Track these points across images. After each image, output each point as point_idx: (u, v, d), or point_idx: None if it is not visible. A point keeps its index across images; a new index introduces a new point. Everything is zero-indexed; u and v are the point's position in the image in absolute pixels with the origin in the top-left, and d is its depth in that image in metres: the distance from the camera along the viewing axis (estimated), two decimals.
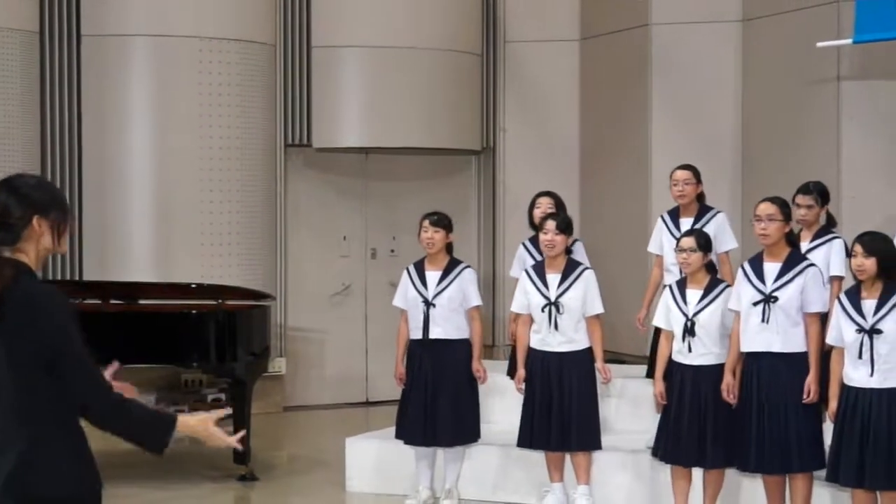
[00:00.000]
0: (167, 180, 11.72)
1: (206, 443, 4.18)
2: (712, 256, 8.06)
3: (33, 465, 3.99)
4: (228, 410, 4.46)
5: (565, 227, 8.41)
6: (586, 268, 8.48)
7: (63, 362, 3.98)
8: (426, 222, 8.70)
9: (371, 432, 9.92)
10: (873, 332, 7.00)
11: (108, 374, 4.21)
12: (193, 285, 10.44)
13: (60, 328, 3.99)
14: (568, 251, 8.49)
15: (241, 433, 4.45)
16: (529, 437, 8.46)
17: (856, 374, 7.08)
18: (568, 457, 8.54)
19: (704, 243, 7.93)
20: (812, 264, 7.63)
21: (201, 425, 4.17)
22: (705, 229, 8.39)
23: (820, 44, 10.36)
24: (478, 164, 14.06)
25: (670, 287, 8.10)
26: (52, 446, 4.01)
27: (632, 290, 10.68)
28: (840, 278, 8.19)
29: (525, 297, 8.47)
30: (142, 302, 9.65)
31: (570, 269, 8.40)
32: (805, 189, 8.42)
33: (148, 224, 11.72)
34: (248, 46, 11.98)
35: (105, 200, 11.61)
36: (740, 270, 7.72)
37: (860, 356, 7.03)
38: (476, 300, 8.76)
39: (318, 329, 13.09)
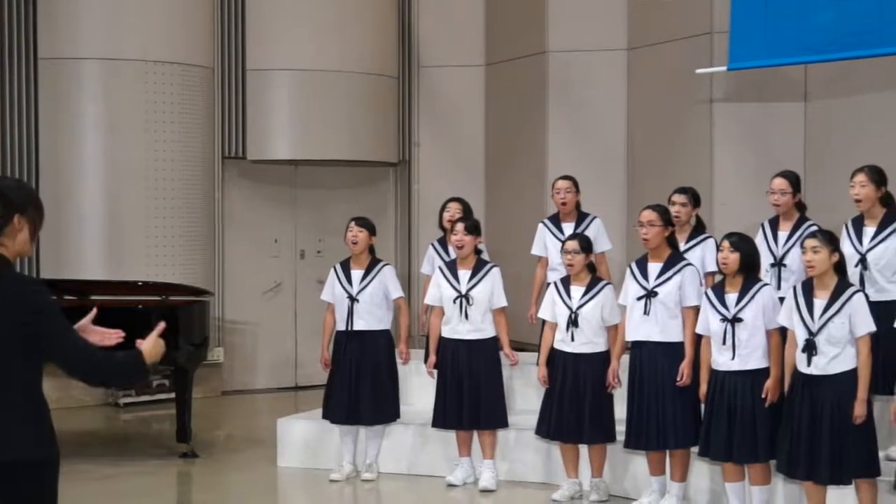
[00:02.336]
0: (116, 189, 11.62)
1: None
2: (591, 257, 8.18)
3: (4, 431, 4.03)
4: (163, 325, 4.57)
5: (473, 229, 8.48)
6: (493, 266, 8.52)
7: (48, 340, 4.06)
8: (352, 223, 8.74)
9: (300, 413, 9.90)
10: (735, 320, 7.12)
11: (87, 321, 4.44)
12: (140, 283, 10.38)
13: (40, 311, 4.06)
14: (477, 251, 8.54)
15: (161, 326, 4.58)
16: (443, 417, 8.51)
17: (721, 359, 7.18)
18: (476, 434, 8.59)
19: (587, 246, 8.05)
20: (689, 264, 7.71)
21: (154, 350, 4.43)
22: (585, 233, 8.50)
23: (699, 70, 10.46)
24: (395, 174, 14.07)
25: (555, 284, 8.18)
26: (21, 415, 4.06)
27: (531, 286, 10.74)
28: (714, 273, 8.30)
29: (438, 291, 8.52)
30: (93, 297, 9.56)
31: (479, 266, 8.47)
32: (681, 190, 8.50)
33: (99, 228, 11.61)
34: (189, 69, 11.92)
35: (60, 207, 11.46)
36: (628, 269, 7.80)
37: (724, 342, 7.14)
38: (397, 292, 8.79)
39: (253, 322, 13.05)
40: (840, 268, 6.74)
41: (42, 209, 4.23)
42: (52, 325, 4.08)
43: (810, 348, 6.62)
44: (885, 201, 7.46)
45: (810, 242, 6.69)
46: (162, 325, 4.48)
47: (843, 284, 6.70)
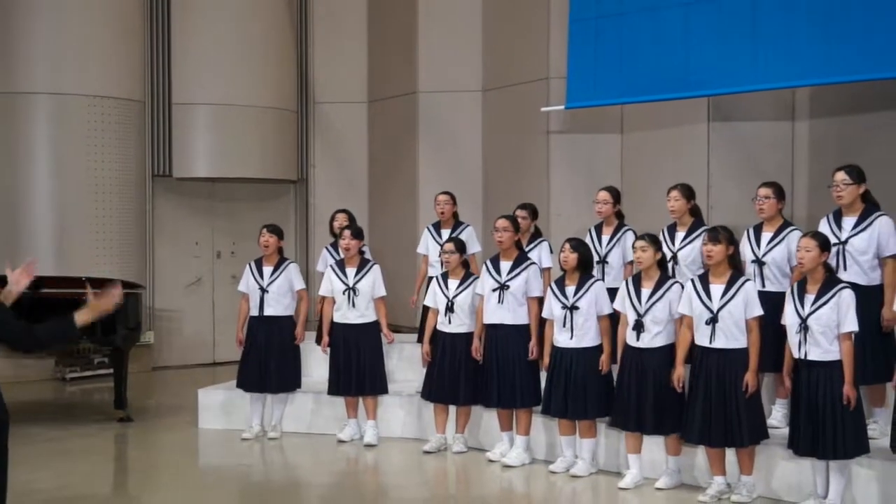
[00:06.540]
0: (65, 202, 11.35)
1: (105, 309, 4.37)
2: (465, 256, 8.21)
3: None
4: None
5: (358, 234, 8.49)
6: (374, 263, 8.52)
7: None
8: (265, 230, 8.68)
9: (217, 385, 9.74)
10: (573, 308, 7.20)
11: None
12: (83, 278, 10.11)
13: None
14: (361, 251, 8.52)
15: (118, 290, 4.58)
16: (337, 387, 8.48)
17: (561, 338, 7.27)
18: (361, 399, 8.55)
19: (461, 247, 8.09)
20: (533, 263, 7.79)
21: (92, 313, 4.38)
22: (460, 237, 8.51)
23: (544, 108, 10.62)
24: (295, 190, 13.95)
25: (436, 278, 8.20)
26: None
27: (404, 280, 10.75)
28: (548, 269, 8.41)
29: (330, 285, 8.49)
30: (44, 290, 9.29)
31: (363, 264, 8.46)
32: (523, 205, 8.64)
33: (50, 234, 11.32)
34: (124, 102, 11.71)
35: (16, 218, 11.21)
36: (484, 265, 7.84)
37: (564, 325, 7.23)
38: (300, 285, 8.75)
39: (178, 310, 12.85)
40: (662, 263, 6.92)
41: None
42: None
43: (639, 327, 6.75)
44: (693, 212, 7.65)
45: (639, 243, 6.86)
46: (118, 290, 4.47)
47: (664, 276, 6.86)
